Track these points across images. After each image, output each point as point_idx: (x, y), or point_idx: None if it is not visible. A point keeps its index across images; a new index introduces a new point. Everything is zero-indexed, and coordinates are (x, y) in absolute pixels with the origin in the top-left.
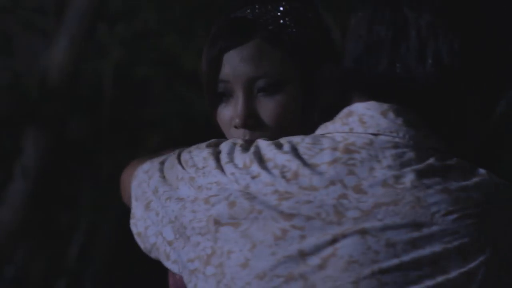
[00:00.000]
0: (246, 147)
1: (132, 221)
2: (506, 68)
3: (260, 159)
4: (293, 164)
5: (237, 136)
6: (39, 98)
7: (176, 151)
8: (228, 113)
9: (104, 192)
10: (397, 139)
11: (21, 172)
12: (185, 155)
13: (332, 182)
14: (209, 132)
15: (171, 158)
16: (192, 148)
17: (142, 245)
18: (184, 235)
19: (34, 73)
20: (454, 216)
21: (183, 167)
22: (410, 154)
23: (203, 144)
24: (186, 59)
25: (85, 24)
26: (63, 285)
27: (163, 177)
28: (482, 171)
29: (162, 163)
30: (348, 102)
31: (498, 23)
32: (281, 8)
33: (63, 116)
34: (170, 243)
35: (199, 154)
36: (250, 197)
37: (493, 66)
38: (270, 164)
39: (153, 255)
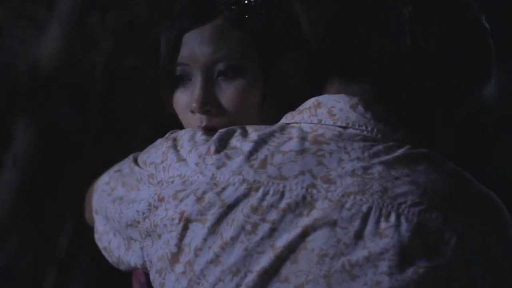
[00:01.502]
0: (208, 133)
1: (96, 236)
2: (476, 67)
3: (225, 147)
4: (261, 153)
5: (193, 122)
6: (30, 88)
7: (131, 156)
8: (186, 98)
9: None
10: (365, 133)
11: (12, 162)
12: (142, 156)
13: (301, 172)
14: None
15: (127, 164)
16: (148, 148)
17: (109, 259)
18: (154, 234)
19: (24, 62)
20: (421, 207)
21: (141, 168)
22: (379, 147)
23: (160, 140)
24: None
25: (76, 13)
26: (54, 275)
27: (123, 184)
28: (451, 164)
29: (119, 171)
30: (315, 91)
31: (476, 24)
32: None
33: (54, 106)
34: (128, 248)
35: (157, 150)
36: (218, 189)
37: (467, 63)
38: (236, 152)
39: (122, 267)
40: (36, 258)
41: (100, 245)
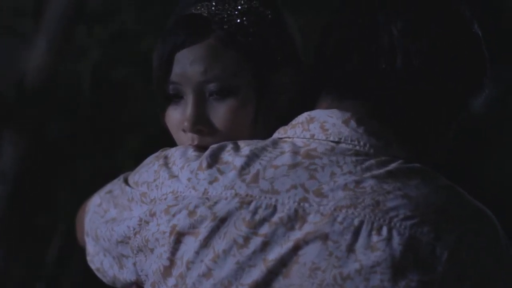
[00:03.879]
0: (200, 150)
1: (88, 258)
2: (472, 79)
3: (217, 162)
4: (253, 167)
5: (185, 140)
6: (17, 100)
7: (121, 177)
8: (178, 116)
9: (83, 195)
10: (357, 147)
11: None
12: (133, 177)
13: (294, 186)
14: None
15: (118, 185)
16: (139, 167)
17: (104, 279)
18: (145, 249)
19: (12, 75)
20: (413, 221)
21: (132, 188)
22: (371, 162)
23: (150, 159)
24: None
25: (64, 26)
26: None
27: (115, 205)
28: (444, 179)
29: (110, 192)
30: (307, 106)
31: (468, 35)
32: (239, 7)
33: (42, 118)
34: (121, 266)
35: (149, 169)
36: (210, 203)
37: (460, 76)
38: (228, 167)
39: (118, 286)
40: (25, 271)
41: (93, 266)
